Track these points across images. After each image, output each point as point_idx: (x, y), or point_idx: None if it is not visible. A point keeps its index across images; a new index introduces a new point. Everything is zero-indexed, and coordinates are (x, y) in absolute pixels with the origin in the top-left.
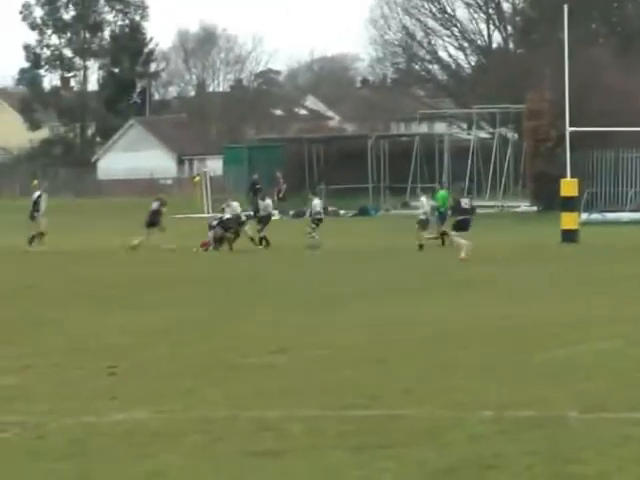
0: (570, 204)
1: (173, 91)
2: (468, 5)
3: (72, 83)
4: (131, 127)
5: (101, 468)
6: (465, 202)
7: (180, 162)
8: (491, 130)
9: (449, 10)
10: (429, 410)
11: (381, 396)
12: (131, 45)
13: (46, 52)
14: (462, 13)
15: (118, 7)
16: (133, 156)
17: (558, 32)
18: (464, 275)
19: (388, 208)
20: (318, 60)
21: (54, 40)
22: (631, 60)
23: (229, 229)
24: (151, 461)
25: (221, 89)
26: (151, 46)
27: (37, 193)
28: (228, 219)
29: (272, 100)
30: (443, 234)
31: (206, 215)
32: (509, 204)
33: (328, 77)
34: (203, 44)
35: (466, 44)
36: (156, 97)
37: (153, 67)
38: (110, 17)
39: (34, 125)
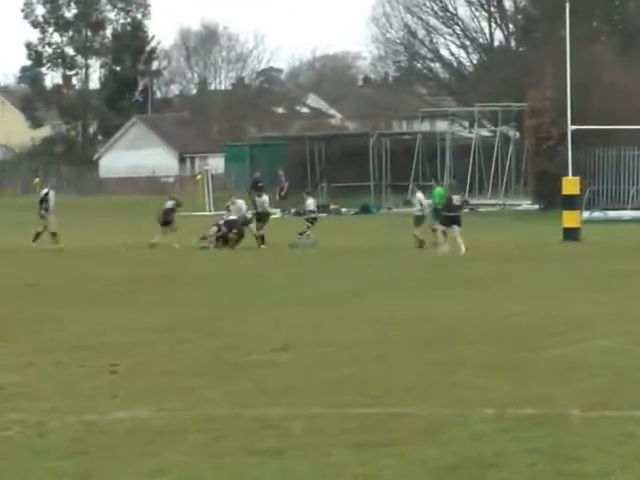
0: (572, 202)
1: (175, 89)
2: (470, 3)
3: (74, 81)
4: (133, 125)
5: (103, 466)
6: (456, 199)
7: (182, 160)
8: (493, 128)
9: (451, 8)
10: (431, 408)
11: (383, 394)
12: (133, 43)
13: (48, 50)
14: (464, 11)
15: (120, 5)
16: (135, 154)
17: (560, 30)
18: (466, 273)
19: (390, 206)
20: (320, 58)
21: (56, 38)
22: (633, 58)
23: (233, 229)
24: (153, 459)
25: (223, 87)
26: (153, 44)
27: (44, 190)
28: (234, 220)
29: (274, 98)
30: (433, 231)
31: (208, 213)
32: (511, 202)
33: (330, 75)
34: (205, 42)
35: (468, 42)
36: (158, 95)
37: (155, 65)
38: (112, 15)
39: (36, 123)
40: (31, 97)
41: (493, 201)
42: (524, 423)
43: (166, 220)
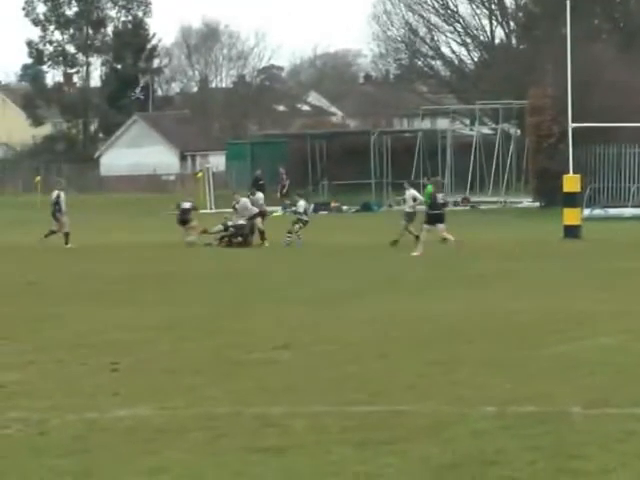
0: (572, 200)
1: (176, 87)
2: (471, 1)
3: (75, 79)
4: (134, 123)
5: (104, 464)
6: (440, 197)
7: (183, 158)
8: (494, 126)
9: (452, 6)
10: (432, 406)
11: (384, 392)
12: (134, 41)
13: (49, 48)
14: (465, 9)
15: (121, 3)
16: (136, 152)
17: (561, 28)
18: (467, 271)
19: (391, 204)
20: (321, 56)
21: (57, 36)
22: (633, 56)
23: (239, 236)
24: (154, 457)
25: (224, 85)
26: (154, 42)
27: (56, 192)
28: (243, 225)
29: (275, 96)
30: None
31: (209, 211)
32: (511, 200)
33: (331, 73)
34: (206, 40)
35: (469, 40)
36: (159, 93)
37: (156, 63)
38: (113, 13)
39: (37, 121)
40: (32, 95)
41: (494, 199)
42: (525, 421)
43: (183, 219)
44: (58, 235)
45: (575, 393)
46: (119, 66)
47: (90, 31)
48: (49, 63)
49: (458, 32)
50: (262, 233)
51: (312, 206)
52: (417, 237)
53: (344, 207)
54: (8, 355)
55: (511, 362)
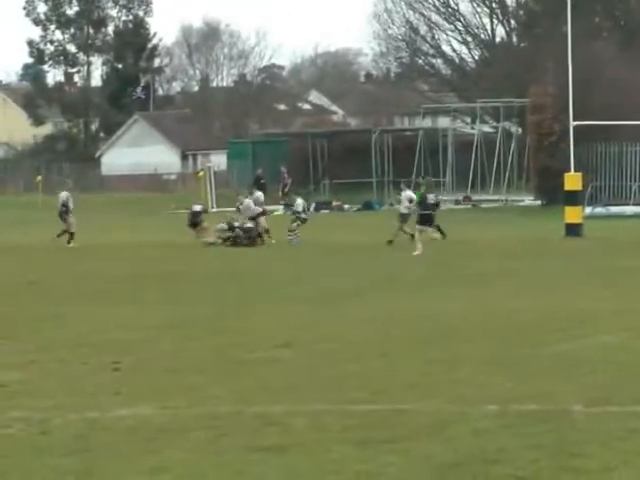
0: (574, 198)
1: (177, 86)
2: None
3: (76, 79)
4: (135, 122)
5: (105, 464)
6: (431, 197)
7: (184, 157)
8: (495, 124)
9: (452, 4)
10: (433, 404)
11: (385, 390)
12: (135, 40)
13: (50, 48)
14: (465, 7)
15: (122, 2)
16: (137, 151)
17: (561, 26)
18: (468, 269)
19: (392, 202)
20: (322, 55)
21: (58, 36)
22: (634, 54)
23: (248, 238)
24: (155, 457)
25: (225, 84)
26: (155, 41)
27: (65, 194)
28: (250, 228)
29: (276, 95)
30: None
31: (210, 210)
32: (513, 198)
33: (332, 72)
34: (207, 39)
35: (470, 38)
36: (160, 92)
37: (157, 62)
38: (114, 12)
39: (38, 121)
40: (33, 95)
41: (495, 197)
42: (526, 419)
43: (194, 222)
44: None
45: (576, 391)
46: (120, 65)
47: (91, 30)
48: (50, 63)
49: (459, 30)
50: (267, 231)
51: (313, 205)
52: (412, 236)
53: (345, 206)
54: (10, 355)
55: (512, 360)
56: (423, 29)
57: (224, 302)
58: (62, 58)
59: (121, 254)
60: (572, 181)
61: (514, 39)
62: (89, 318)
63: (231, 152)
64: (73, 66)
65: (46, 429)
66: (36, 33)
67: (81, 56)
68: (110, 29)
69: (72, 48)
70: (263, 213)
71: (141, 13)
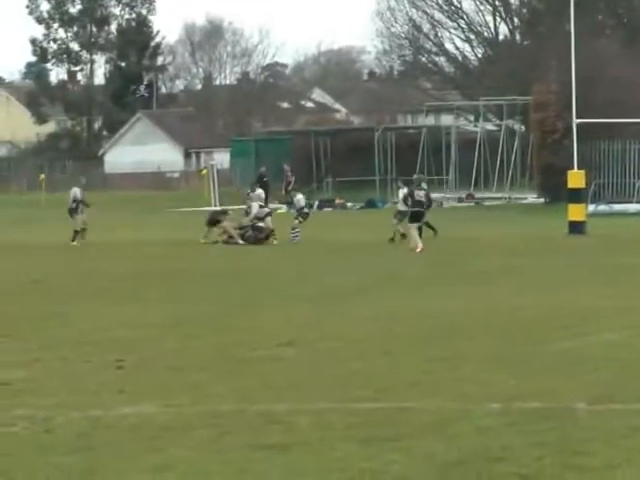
0: (577, 196)
1: (180, 84)
2: None
3: (79, 77)
4: (138, 121)
5: (108, 462)
6: (419, 195)
7: (187, 155)
8: (498, 122)
9: (455, 2)
10: (437, 402)
11: (389, 388)
12: (138, 39)
13: (53, 46)
14: (468, 5)
15: (125, 1)
16: (140, 149)
17: (564, 24)
18: (471, 267)
19: (395, 200)
20: (325, 53)
21: (61, 34)
22: (637, 51)
23: (255, 236)
24: (159, 455)
25: (228, 82)
26: (158, 39)
27: (80, 191)
28: (261, 228)
29: (279, 93)
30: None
31: (214, 208)
32: (516, 196)
33: (335, 70)
34: (210, 37)
35: (473, 36)
36: (163, 90)
37: (160, 60)
38: (117, 11)
39: (41, 119)
40: (36, 93)
41: (498, 195)
42: (530, 417)
43: (214, 220)
44: (86, 231)
45: (580, 389)
46: (123, 64)
47: (94, 29)
48: (53, 61)
49: (462, 28)
50: (272, 232)
51: (316, 203)
52: (403, 235)
53: (348, 204)
54: (14, 353)
55: (515, 358)
56: (426, 27)
57: (227, 300)
58: (65, 56)
59: (124, 252)
60: (575, 179)
61: (517, 37)
62: (92, 316)
63: (234, 150)
64: (76, 64)
65: (50, 427)
66: (39, 31)
67: (84, 54)
68: (113, 27)
69: (75, 46)
70: (270, 214)
71: (144, 11)
